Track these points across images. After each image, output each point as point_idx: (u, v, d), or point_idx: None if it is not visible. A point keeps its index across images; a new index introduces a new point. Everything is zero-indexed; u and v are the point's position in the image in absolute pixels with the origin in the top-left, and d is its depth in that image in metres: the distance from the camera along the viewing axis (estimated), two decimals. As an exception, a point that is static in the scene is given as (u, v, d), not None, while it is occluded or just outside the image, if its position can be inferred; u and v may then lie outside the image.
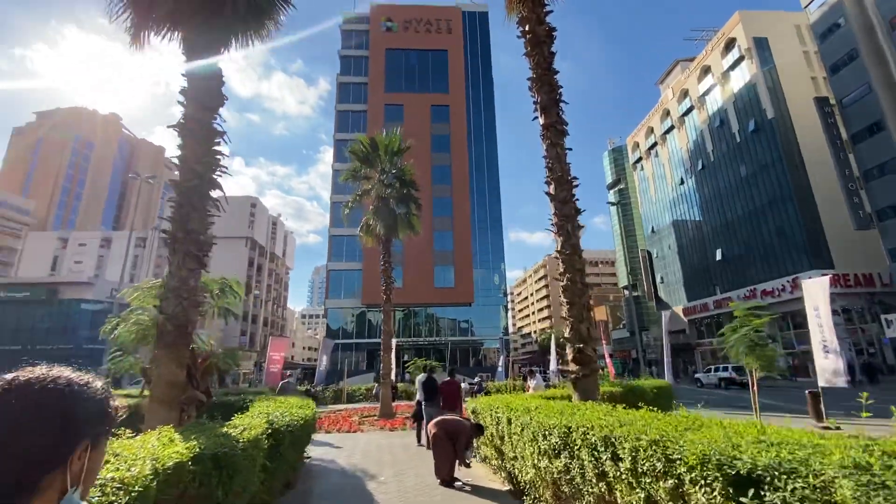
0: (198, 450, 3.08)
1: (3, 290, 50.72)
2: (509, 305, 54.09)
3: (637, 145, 67.01)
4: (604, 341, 31.03)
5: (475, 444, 7.47)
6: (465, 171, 50.70)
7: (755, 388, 11.62)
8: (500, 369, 27.77)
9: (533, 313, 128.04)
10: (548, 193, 6.87)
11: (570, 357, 6.93)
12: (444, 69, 53.96)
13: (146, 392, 7.24)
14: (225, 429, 4.10)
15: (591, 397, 6.20)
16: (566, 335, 6.87)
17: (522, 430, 5.07)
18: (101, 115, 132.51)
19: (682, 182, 55.24)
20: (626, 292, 71.06)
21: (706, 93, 50.60)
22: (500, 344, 29.90)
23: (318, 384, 27.55)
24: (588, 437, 3.54)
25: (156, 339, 5.17)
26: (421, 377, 10.67)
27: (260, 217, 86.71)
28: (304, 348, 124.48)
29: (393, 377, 21.28)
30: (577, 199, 6.78)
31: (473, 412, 8.12)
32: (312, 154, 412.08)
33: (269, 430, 4.94)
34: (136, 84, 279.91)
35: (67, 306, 50.47)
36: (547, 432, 4.23)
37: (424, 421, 9.87)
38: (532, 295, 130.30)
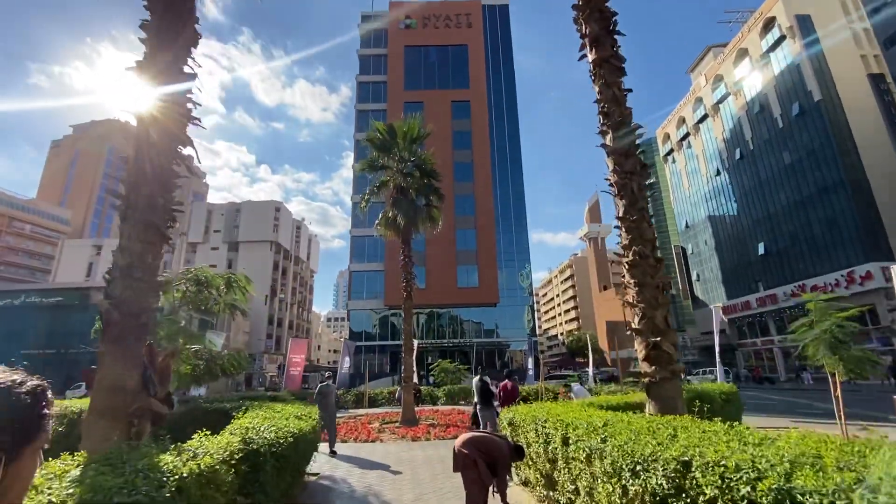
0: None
1: (37, 296, 51.99)
2: (535, 307, 52.19)
3: (667, 137, 64.07)
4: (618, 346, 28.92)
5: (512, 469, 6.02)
6: (488, 168, 49.16)
7: (838, 393, 9.71)
8: (529, 372, 26.10)
9: (559, 315, 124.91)
10: (603, 146, 5.44)
11: (639, 355, 5.42)
12: (465, 64, 52.66)
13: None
14: (163, 457, 2.79)
15: (673, 408, 4.70)
16: (635, 324, 5.39)
17: (590, 457, 3.62)
18: (133, 127, 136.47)
19: (719, 173, 52.21)
20: (659, 291, 67.97)
21: (743, 77, 47.64)
22: (529, 345, 28.15)
23: (340, 387, 26.52)
24: (732, 480, 2.07)
25: (99, 333, 3.96)
26: (476, 380, 10.26)
27: (284, 221, 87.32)
28: (329, 351, 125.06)
29: (416, 380, 19.99)
30: (642, 152, 5.30)
31: (511, 425, 6.66)
32: (335, 160, 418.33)
33: (243, 453, 3.65)
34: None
35: (97, 311, 51.24)
36: (641, 466, 2.77)
37: (482, 426, 9.38)
38: (558, 296, 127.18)
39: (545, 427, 5.02)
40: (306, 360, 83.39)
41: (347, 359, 26.40)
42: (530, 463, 5.75)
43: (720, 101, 51.82)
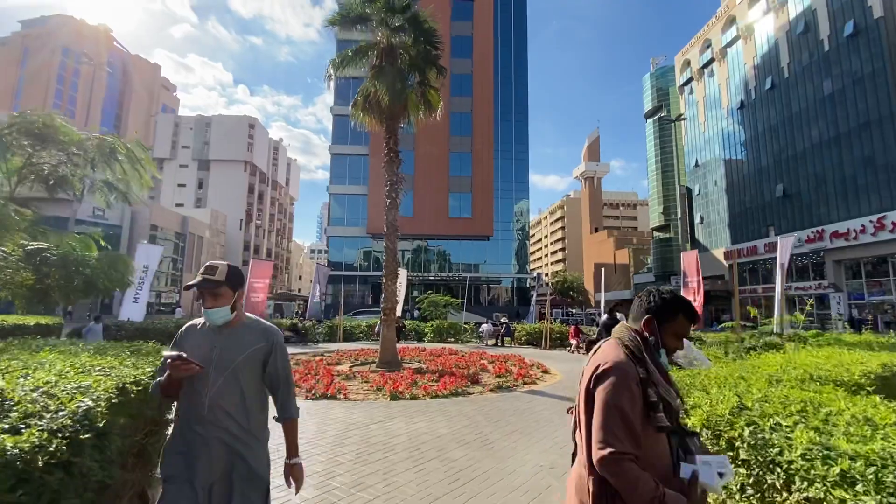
0: None
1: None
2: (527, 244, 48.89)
3: (688, 63, 57.81)
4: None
5: None
6: (489, 82, 43.17)
7: None
8: (531, 309, 22.91)
9: (546, 256, 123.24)
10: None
11: None
12: (469, -44, 44.61)
13: None
14: None
15: None
16: None
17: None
18: (90, 26, 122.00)
19: (742, 105, 47.19)
20: (656, 234, 65.17)
21: (790, -11, 41.25)
22: (537, 280, 24.84)
23: (311, 317, 23.04)
24: None
25: None
26: (604, 318, 9.20)
27: (260, 140, 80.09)
28: (310, 283, 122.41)
29: (399, 312, 16.40)
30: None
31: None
32: (318, 83, 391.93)
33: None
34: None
35: (50, 224, 46.02)
36: None
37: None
38: (546, 237, 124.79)
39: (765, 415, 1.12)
40: (281, 288, 79.59)
41: (318, 286, 22.64)
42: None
43: (757, 20, 45.58)
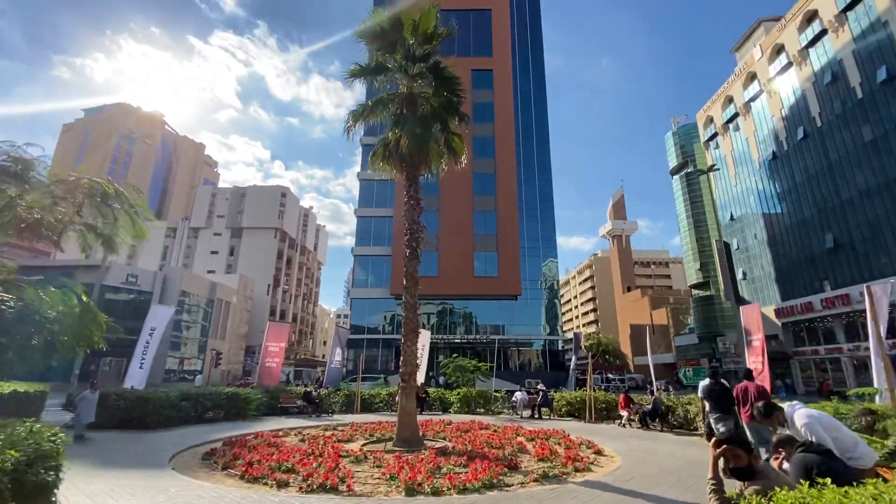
0: None
1: (21, 274, 47.93)
2: (559, 303, 46.47)
3: (710, 120, 57.71)
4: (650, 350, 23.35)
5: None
6: (511, 143, 43.64)
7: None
8: (570, 375, 20.57)
9: (577, 318, 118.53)
10: None
11: None
12: (488, 29, 47.24)
13: None
14: None
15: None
16: None
17: None
18: (144, 112, 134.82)
19: (775, 157, 45.85)
20: (695, 292, 61.60)
21: (811, 44, 41.30)
22: (574, 341, 22.63)
23: (329, 384, 21.34)
24: None
25: None
26: (705, 383, 8.15)
27: (290, 208, 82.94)
28: (343, 350, 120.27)
29: (420, 378, 14.72)
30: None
31: None
32: (348, 157, 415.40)
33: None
34: (182, 89, 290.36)
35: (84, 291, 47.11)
36: None
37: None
38: (575, 298, 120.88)
39: None
40: (305, 353, 78.16)
41: (338, 349, 21.29)
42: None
43: (779, 74, 45.49)
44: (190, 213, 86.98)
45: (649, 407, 13.52)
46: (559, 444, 10.06)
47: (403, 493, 5.94)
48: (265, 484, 6.33)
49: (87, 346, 6.59)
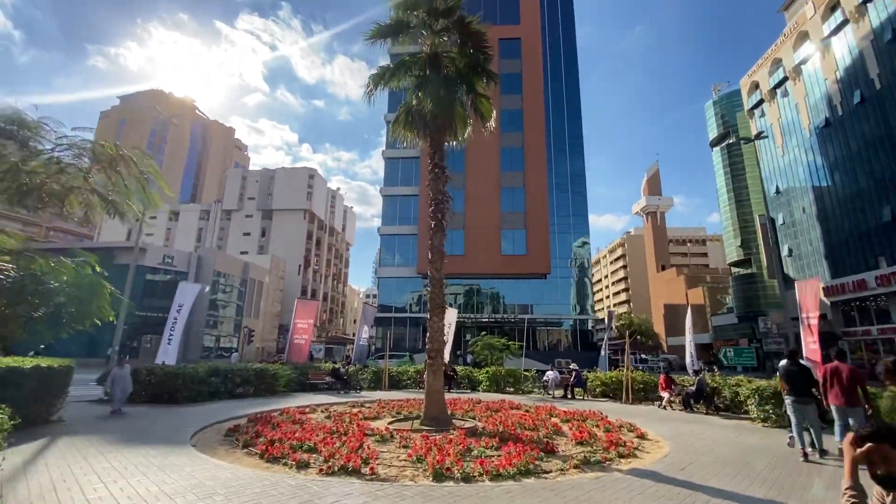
0: None
1: (66, 256, 50.21)
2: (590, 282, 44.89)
3: (755, 86, 53.81)
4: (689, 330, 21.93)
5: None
6: (540, 116, 41.89)
7: None
8: (602, 354, 19.73)
9: (608, 297, 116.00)
10: None
11: None
12: (515, -4, 45.02)
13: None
14: None
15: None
16: None
17: None
18: (176, 98, 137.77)
19: (828, 123, 42.34)
20: (735, 270, 58.73)
21: (872, -3, 37.34)
22: (608, 320, 21.72)
23: (357, 361, 21.29)
24: None
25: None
26: (783, 363, 7.31)
27: (318, 189, 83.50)
28: (370, 328, 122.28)
29: (446, 356, 14.26)
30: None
31: None
32: (374, 138, 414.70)
33: None
34: (211, 75, 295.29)
35: (122, 271, 49.13)
36: None
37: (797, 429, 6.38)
38: (606, 277, 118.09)
39: None
40: (336, 332, 79.57)
41: (365, 327, 21.12)
42: None
43: (833, 33, 41.59)
44: (222, 195, 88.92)
45: (693, 388, 12.62)
46: (597, 426, 9.39)
47: (431, 478, 5.44)
48: (285, 464, 5.96)
49: (94, 319, 6.33)
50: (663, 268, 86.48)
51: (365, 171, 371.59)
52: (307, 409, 11.34)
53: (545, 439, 7.84)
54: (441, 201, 10.67)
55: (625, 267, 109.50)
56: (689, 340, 17.94)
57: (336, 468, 5.65)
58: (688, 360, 17.63)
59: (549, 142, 42.68)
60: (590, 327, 43.49)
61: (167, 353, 15.30)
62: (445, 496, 4.68)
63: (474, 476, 5.49)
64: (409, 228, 41.82)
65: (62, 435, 7.52)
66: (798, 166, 46.81)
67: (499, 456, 6.52)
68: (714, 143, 61.46)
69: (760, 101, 52.65)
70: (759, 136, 25.55)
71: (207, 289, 49.91)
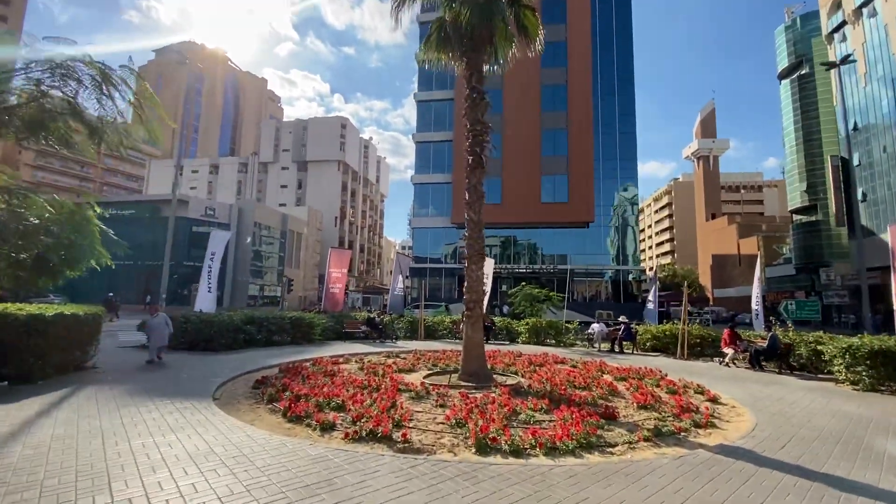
0: None
1: (114, 209, 52.18)
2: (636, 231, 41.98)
3: (838, 6, 46.56)
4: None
5: None
6: (587, 48, 38.00)
7: None
8: (650, 306, 18.35)
9: (650, 248, 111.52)
10: None
11: None
12: None
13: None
14: None
15: None
16: None
17: None
18: (209, 50, 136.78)
19: (929, 44, 36.20)
20: (797, 217, 53.98)
21: None
22: (654, 274, 20.13)
23: (392, 311, 20.97)
24: None
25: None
26: None
27: (351, 139, 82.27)
28: (405, 278, 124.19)
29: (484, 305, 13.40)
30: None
31: None
32: (405, 85, 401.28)
33: None
34: (242, 25, 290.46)
35: (166, 223, 50.91)
36: None
37: None
38: (650, 227, 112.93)
39: None
40: (372, 282, 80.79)
41: (400, 277, 20.54)
42: None
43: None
44: (258, 148, 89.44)
45: (763, 344, 11.21)
46: (658, 386, 8.33)
47: (473, 450, 4.59)
48: (308, 425, 5.29)
49: (90, 263, 5.74)
50: (714, 216, 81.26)
51: (398, 121, 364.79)
52: (340, 359, 10.88)
53: (601, 401, 6.88)
54: (480, 133, 9.29)
55: (670, 216, 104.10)
56: (756, 293, 16.20)
57: (364, 433, 4.90)
58: (754, 312, 15.95)
59: (595, 78, 39.00)
60: (633, 278, 41.54)
61: (205, 301, 15.25)
62: (492, 480, 3.79)
63: (525, 448, 4.60)
64: (442, 177, 40.29)
65: (89, 384, 7.24)
66: (882, 98, 40.97)
67: (551, 422, 5.61)
68: (783, 75, 54.92)
69: (842, 24, 45.65)
70: (845, 59, 21.92)
71: (249, 240, 51.13)
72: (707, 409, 6.54)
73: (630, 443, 4.94)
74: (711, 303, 64.54)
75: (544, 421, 5.70)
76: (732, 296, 70.62)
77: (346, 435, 4.89)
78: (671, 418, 6.01)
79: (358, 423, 5.19)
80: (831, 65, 30.34)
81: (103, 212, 6.83)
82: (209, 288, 15.66)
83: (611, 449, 4.78)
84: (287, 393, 6.69)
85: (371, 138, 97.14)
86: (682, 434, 5.38)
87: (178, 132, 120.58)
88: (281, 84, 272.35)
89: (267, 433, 4.86)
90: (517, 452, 4.49)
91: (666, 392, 7.82)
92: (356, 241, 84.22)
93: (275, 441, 4.56)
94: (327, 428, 5.16)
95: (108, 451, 4.15)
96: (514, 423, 5.53)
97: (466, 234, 9.33)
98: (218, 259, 15.55)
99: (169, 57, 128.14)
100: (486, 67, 9.92)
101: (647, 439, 5.06)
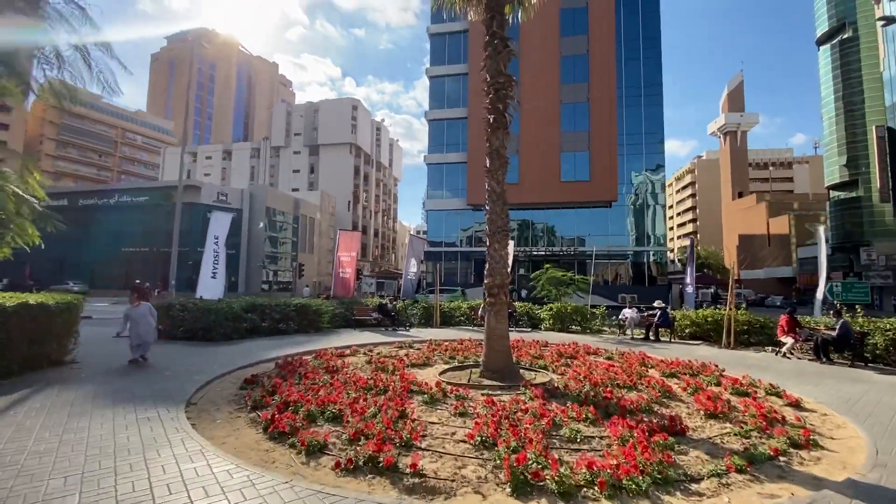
0: None
1: (128, 196, 52.11)
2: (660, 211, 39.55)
3: (888, -40, 42.61)
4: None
5: None
6: (610, 14, 35.51)
7: None
8: (689, 290, 16.77)
9: (672, 228, 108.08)
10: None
11: None
12: None
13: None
14: None
15: None
16: None
17: None
18: (221, 36, 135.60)
19: None
20: (834, 194, 50.84)
21: None
22: (690, 253, 18.45)
23: (405, 296, 19.87)
24: None
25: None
26: None
27: (363, 121, 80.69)
28: (419, 262, 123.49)
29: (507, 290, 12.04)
30: None
31: None
32: (417, 66, 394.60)
33: None
34: (252, 10, 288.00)
35: (185, 209, 50.69)
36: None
37: None
38: (672, 207, 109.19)
39: None
40: (386, 267, 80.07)
41: (413, 261, 19.37)
42: None
43: None
44: (270, 133, 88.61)
45: (833, 333, 9.69)
46: (718, 383, 6.97)
47: (508, 489, 3.36)
48: (291, 445, 4.13)
49: (17, 243, 4.72)
50: (741, 195, 77.78)
51: (409, 104, 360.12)
52: (347, 351, 9.76)
53: (656, 406, 5.58)
54: (502, 86, 7.86)
55: (693, 196, 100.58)
56: (822, 274, 14.49)
57: (360, 460, 3.71)
58: (819, 295, 14.27)
59: (619, 47, 36.55)
60: (659, 259, 39.54)
61: (208, 288, 14.32)
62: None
63: (580, 487, 3.35)
64: (457, 156, 38.68)
65: (55, 384, 6.25)
66: (939, 61, 37.59)
67: (602, 439, 4.36)
68: (823, 40, 51.30)
69: (894, -21, 41.82)
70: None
71: (262, 224, 50.55)
72: (798, 419, 5.18)
73: (718, 475, 3.65)
74: (738, 285, 62.03)
75: (594, 438, 4.45)
76: (760, 277, 67.75)
77: (338, 464, 3.70)
78: (755, 433, 4.68)
79: (355, 446, 4.01)
80: (889, 20, 27.37)
81: (42, 180, 5.76)
82: (213, 273, 14.70)
83: (696, 486, 3.50)
84: (275, 397, 5.57)
85: (383, 120, 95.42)
86: (783, 459, 4.05)
87: (191, 116, 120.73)
88: (293, 69, 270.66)
89: (233, 461, 3.70)
90: (567, 495, 3.24)
91: (731, 393, 6.47)
92: (370, 225, 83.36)
93: (238, 478, 3.39)
94: (314, 451, 3.99)
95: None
96: (556, 442, 4.29)
97: (487, 207, 7.99)
98: (222, 243, 14.56)
99: (181, 43, 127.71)
100: (508, 10, 8.44)
101: (739, 469, 3.75)
